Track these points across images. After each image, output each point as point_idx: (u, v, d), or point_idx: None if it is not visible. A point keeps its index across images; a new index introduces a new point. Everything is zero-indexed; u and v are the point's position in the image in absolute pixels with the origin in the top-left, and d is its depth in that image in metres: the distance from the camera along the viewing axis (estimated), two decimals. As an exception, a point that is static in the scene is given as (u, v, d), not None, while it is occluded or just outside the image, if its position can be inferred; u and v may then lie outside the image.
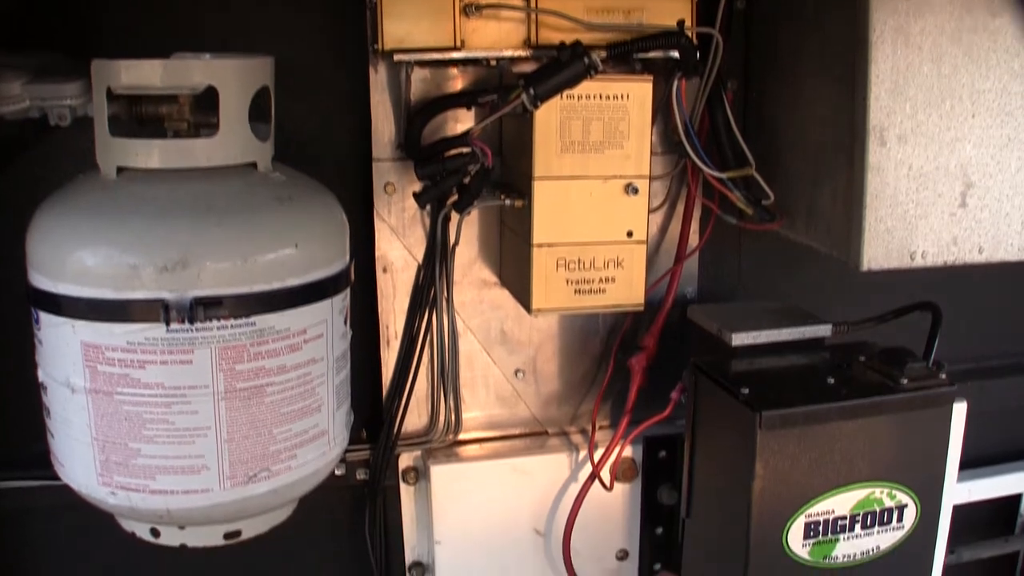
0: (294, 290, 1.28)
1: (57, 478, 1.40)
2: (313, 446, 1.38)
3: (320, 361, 1.35)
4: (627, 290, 1.51)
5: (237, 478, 1.31)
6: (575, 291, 1.49)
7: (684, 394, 1.58)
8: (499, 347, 1.70)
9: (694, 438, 1.56)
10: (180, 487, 1.30)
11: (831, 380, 1.47)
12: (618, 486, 1.73)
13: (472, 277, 1.67)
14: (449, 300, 1.63)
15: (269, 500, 1.37)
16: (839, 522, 1.46)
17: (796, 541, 1.44)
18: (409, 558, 1.76)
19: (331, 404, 1.40)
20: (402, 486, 1.72)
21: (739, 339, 1.56)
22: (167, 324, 1.22)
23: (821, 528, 1.46)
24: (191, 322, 1.22)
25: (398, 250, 1.63)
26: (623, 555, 1.78)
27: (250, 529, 1.45)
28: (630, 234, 1.49)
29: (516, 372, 1.72)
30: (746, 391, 1.42)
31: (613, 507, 1.75)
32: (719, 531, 1.53)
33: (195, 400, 1.26)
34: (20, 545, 1.72)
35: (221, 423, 1.28)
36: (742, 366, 1.53)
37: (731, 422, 1.44)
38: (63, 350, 1.27)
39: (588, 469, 1.70)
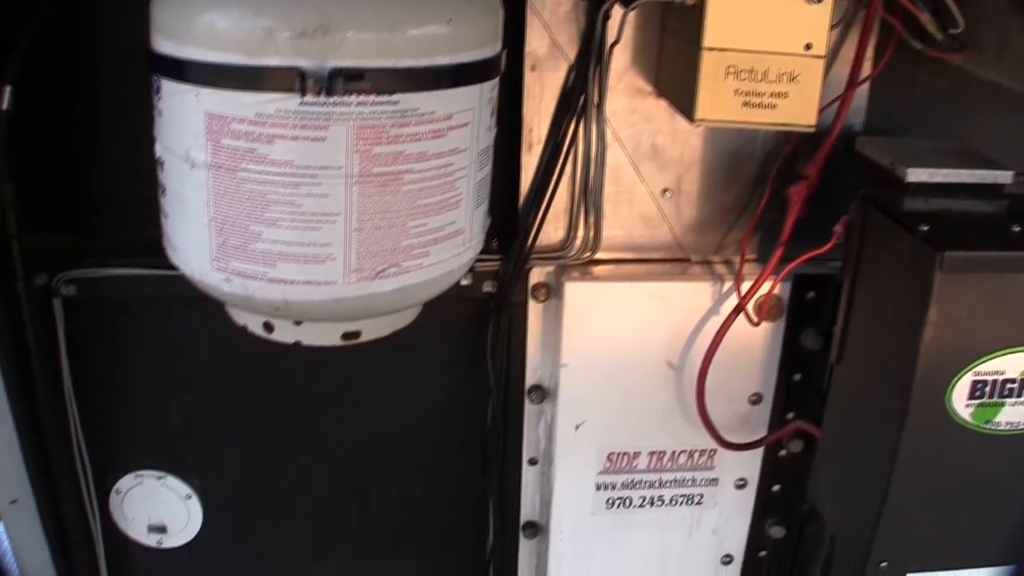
0: (443, 69, 1.15)
1: (169, 267, 1.32)
2: (448, 244, 1.27)
3: (463, 152, 1.23)
4: (799, 108, 1.35)
5: (364, 272, 1.21)
6: (743, 103, 1.34)
7: (847, 230, 1.44)
8: (648, 162, 1.57)
9: (855, 277, 1.42)
10: (301, 277, 1.20)
11: (1016, 229, 1.32)
12: (759, 326, 1.60)
13: (625, 84, 1.53)
14: (600, 106, 1.50)
15: (395, 299, 1.27)
16: (1008, 385, 1.32)
17: (960, 400, 1.31)
18: (530, 380, 1.67)
19: (470, 201, 1.29)
20: (531, 303, 1.61)
21: (915, 175, 1.40)
22: (301, 95, 1.10)
23: (988, 389, 1.31)
24: (328, 94, 1.10)
25: (549, 47, 1.49)
26: (756, 399, 1.67)
27: (370, 331, 1.36)
28: (808, 47, 1.33)
29: (664, 191, 1.59)
30: (925, 228, 1.27)
31: (752, 347, 1.63)
32: (874, 381, 1.40)
33: (326, 182, 1.15)
34: (127, 334, 1.66)
35: (352, 210, 1.17)
36: (917, 204, 1.38)
37: (903, 262, 1.29)
38: (184, 121, 1.17)
39: (731, 302, 1.57)
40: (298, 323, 1.32)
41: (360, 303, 1.24)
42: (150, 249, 1.38)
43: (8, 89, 1.40)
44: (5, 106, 1.40)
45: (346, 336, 1.34)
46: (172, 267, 1.33)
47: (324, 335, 1.34)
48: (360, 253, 1.20)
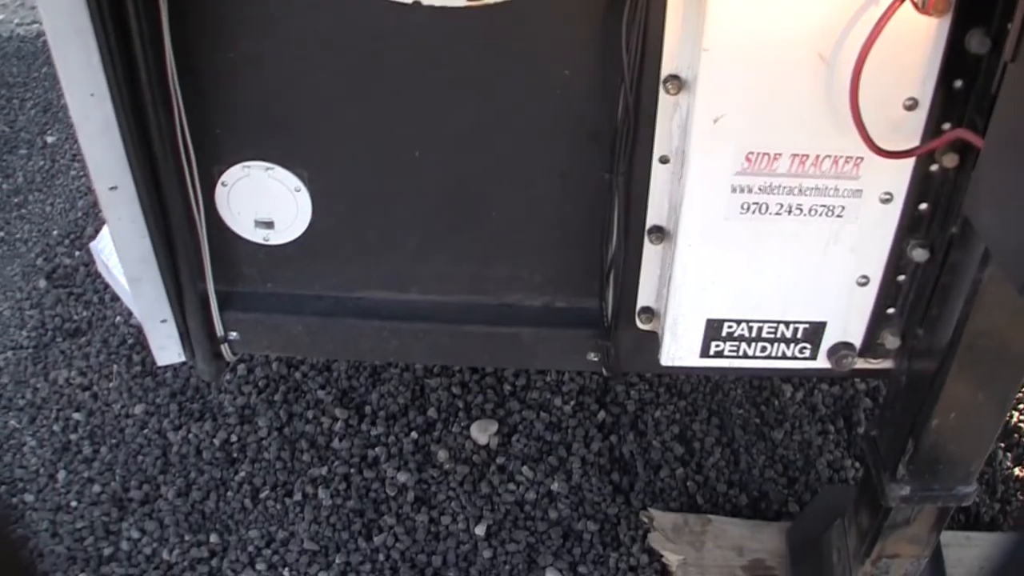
0: None
1: None
2: None
3: None
4: None
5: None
6: None
7: None
8: None
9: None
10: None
11: None
12: (921, 19, 1.43)
13: None
14: None
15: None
16: None
17: None
18: (666, 69, 1.52)
19: None
20: (673, -20, 1.46)
21: None
22: None
23: None
24: None
25: None
26: (912, 104, 1.51)
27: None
28: None
29: None
30: None
31: (912, 45, 1.46)
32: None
33: None
34: (236, 9, 1.54)
35: None
36: None
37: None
38: None
39: (894, -11, 1.41)
40: (419, -21, 1.20)
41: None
42: None
43: None
44: None
45: None
46: None
47: (448, -8, 1.22)
48: None
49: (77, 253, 2.96)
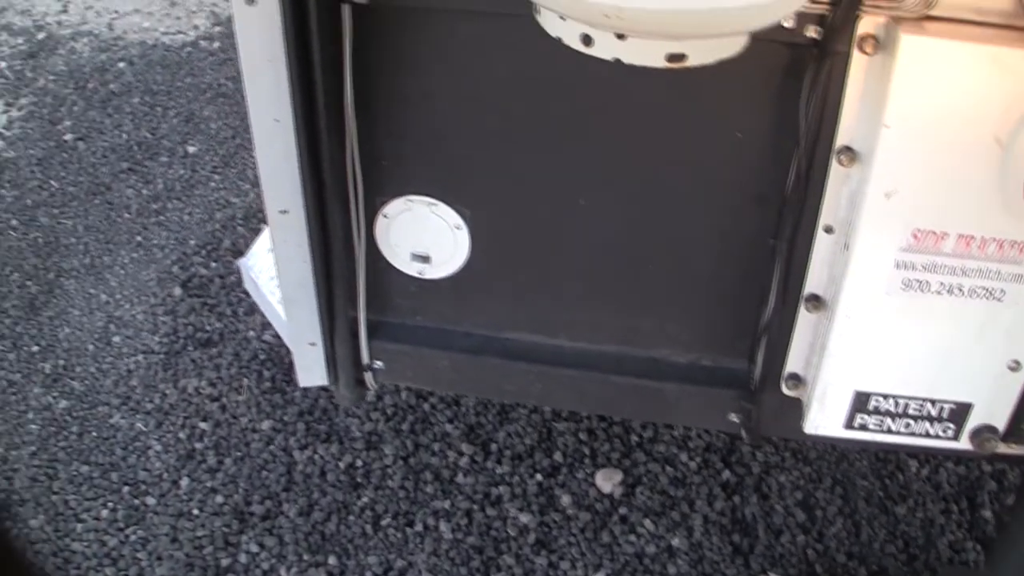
0: None
1: None
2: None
3: None
4: None
5: None
6: None
7: None
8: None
9: None
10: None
11: None
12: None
13: None
14: None
15: (733, 18, 1.16)
16: None
17: None
18: (841, 140, 1.53)
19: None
20: (855, 54, 1.46)
21: None
22: None
23: None
24: None
25: None
26: (1086, 195, 1.51)
27: (696, 56, 1.25)
28: None
29: (1019, -53, 1.40)
30: None
31: (1087, 134, 1.46)
32: None
33: None
34: (417, 47, 1.59)
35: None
36: None
37: None
38: None
39: (1078, 79, 1.40)
40: (620, 37, 1.22)
41: (697, 17, 1.13)
42: None
43: None
44: None
45: (671, 58, 1.24)
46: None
47: (647, 54, 1.24)
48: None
49: (213, 264, 3.02)
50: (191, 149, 3.57)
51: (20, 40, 4.20)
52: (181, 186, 3.39)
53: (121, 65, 4.04)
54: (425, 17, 1.55)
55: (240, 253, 2.74)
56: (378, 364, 1.89)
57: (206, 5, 4.42)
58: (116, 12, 4.42)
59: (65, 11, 4.40)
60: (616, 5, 1.11)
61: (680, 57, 1.24)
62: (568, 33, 1.26)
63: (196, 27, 4.30)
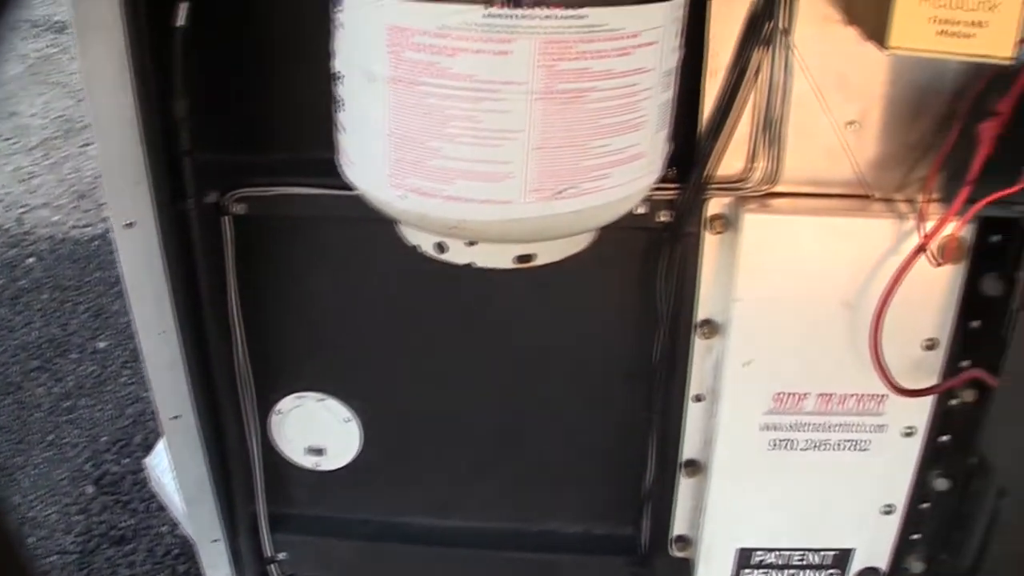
0: (633, -15, 1.11)
1: (340, 186, 1.33)
2: (629, 168, 1.23)
3: (649, 72, 1.19)
4: (997, 38, 1.27)
5: (543, 192, 1.18)
6: (938, 32, 1.26)
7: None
8: (835, 93, 1.50)
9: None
10: (478, 196, 1.18)
11: None
12: (940, 268, 1.54)
13: (814, 12, 1.46)
14: (788, 33, 1.44)
15: (572, 222, 1.24)
16: None
17: None
18: (700, 314, 1.63)
19: (653, 124, 1.25)
20: (706, 235, 1.57)
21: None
22: (487, 5, 1.08)
23: None
24: (515, 6, 1.08)
25: (737, -31, 1.43)
26: (930, 345, 1.60)
27: (544, 254, 1.34)
28: (1010, -28, 1.26)
29: (848, 124, 1.52)
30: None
31: (930, 290, 1.56)
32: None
33: (508, 98, 1.13)
34: (296, 253, 1.67)
35: (534, 127, 1.14)
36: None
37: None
38: (365, 34, 1.16)
39: (912, 242, 1.50)
40: (472, 244, 1.30)
41: (537, 224, 1.21)
42: (322, 168, 1.38)
43: (185, 5, 1.40)
44: (182, 22, 1.41)
45: (520, 259, 1.32)
46: (344, 186, 1.32)
47: (497, 257, 1.32)
48: (540, 172, 1.17)
49: (125, 461, 3.04)
50: (101, 344, 3.60)
51: (-74, 239, 4.24)
52: (92, 383, 3.42)
53: (30, 260, 4.07)
54: (303, 225, 1.63)
55: (151, 448, 2.76)
56: (282, 556, 1.91)
57: (112, 198, 4.46)
58: (26, 205, 4.46)
59: (-26, 208, 4.45)
60: (460, 218, 1.20)
61: (528, 258, 1.32)
62: (424, 241, 1.34)
63: (104, 219, 4.34)
